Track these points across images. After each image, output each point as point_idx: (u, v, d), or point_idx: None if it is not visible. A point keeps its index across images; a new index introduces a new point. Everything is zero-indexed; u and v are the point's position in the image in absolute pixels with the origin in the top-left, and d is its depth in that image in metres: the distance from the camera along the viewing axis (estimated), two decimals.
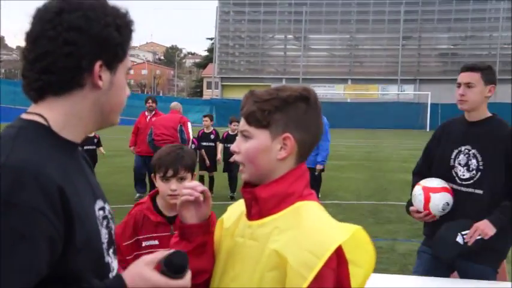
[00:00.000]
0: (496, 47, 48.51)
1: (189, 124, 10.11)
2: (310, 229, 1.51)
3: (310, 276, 1.43)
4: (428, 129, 43.59)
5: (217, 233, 1.74)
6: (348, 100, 51.51)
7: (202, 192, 1.66)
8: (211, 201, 1.73)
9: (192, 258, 1.44)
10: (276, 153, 1.58)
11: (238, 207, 1.73)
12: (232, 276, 1.62)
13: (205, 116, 11.30)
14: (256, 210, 1.60)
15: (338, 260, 1.49)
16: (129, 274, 1.36)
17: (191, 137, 10.10)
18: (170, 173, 2.68)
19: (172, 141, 8.94)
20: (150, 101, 10.80)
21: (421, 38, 52.02)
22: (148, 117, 10.68)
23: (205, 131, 11.06)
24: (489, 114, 3.48)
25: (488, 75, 3.44)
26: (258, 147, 1.59)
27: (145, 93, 68.13)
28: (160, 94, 78.11)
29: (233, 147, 1.65)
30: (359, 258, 1.56)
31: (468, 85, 3.46)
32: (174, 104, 10.56)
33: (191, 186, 1.66)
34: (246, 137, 1.61)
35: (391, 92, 51.03)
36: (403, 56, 50.86)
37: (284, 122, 1.57)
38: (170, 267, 1.35)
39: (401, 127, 43.08)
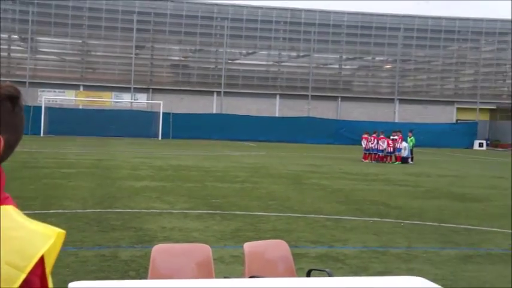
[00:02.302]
0: (221, 61, 52.22)
1: None
2: (7, 238, 1.35)
3: None
4: (160, 138, 44.89)
5: None
6: (80, 107, 50.27)
7: None
8: None
9: None
10: None
11: None
12: None
13: None
14: None
15: (42, 266, 1.38)
16: None
17: None
18: None
19: None
20: None
21: (153, 48, 53.34)
22: None
23: None
24: None
25: None
26: None
27: None
28: None
29: None
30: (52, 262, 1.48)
31: None
32: None
33: None
34: None
35: (125, 100, 51.24)
36: (136, 64, 51.56)
37: None
38: None
39: (134, 135, 43.58)
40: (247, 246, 4.59)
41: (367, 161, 29.61)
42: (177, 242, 8.15)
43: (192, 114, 48.94)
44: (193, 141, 42.82)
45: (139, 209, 11.68)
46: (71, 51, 52.71)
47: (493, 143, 53.42)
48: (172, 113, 46.78)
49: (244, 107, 52.46)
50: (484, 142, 51.78)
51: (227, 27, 51.60)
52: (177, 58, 54.64)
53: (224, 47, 51.79)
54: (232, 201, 13.53)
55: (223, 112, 50.56)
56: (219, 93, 51.89)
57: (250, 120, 49.38)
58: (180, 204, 12.77)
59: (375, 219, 11.73)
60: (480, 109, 53.85)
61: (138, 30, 51.16)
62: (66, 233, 1.44)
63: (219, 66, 53.17)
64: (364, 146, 30.17)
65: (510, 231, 10.98)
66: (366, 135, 30.14)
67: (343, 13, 55.44)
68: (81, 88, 50.92)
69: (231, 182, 17.67)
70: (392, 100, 53.89)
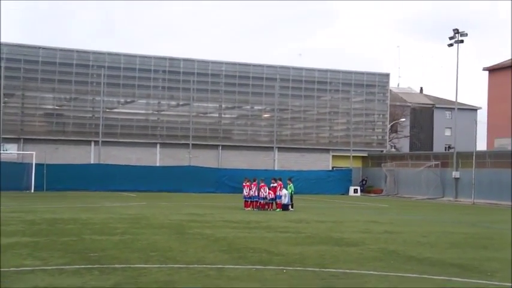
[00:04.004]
0: (99, 110, 51.00)
1: None
2: None
3: None
4: (33, 190, 42.59)
5: None
6: None
7: None
8: None
9: None
10: None
11: None
12: None
13: None
14: None
15: None
16: None
17: None
18: None
19: None
20: None
21: (24, 96, 51.10)
22: None
23: None
24: None
25: None
26: None
27: None
28: None
29: None
30: None
31: None
32: None
33: None
34: None
35: None
36: (6, 113, 48.92)
37: None
38: None
39: (4, 189, 40.78)
40: None
41: (248, 208, 29.91)
42: None
43: (67, 164, 47.06)
44: (69, 193, 41.07)
45: (8, 268, 10.93)
46: None
47: (366, 189, 56.20)
48: (46, 164, 44.70)
49: (124, 156, 51.37)
50: (359, 188, 54.35)
51: (104, 75, 50.69)
52: (50, 106, 52.59)
53: (101, 95, 50.70)
54: (112, 254, 13.07)
55: (102, 162, 49.13)
56: (96, 142, 50.45)
57: (130, 170, 48.35)
58: (54, 260, 12.11)
59: (258, 266, 11.81)
60: (353, 156, 56.62)
61: (7, 77, 48.83)
62: None
63: (96, 115, 51.86)
64: (245, 194, 30.49)
65: (384, 273, 11.50)
66: (247, 183, 30.51)
67: (221, 63, 56.62)
68: None
69: (110, 234, 17.08)
70: (271, 148, 55.27)
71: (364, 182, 57.36)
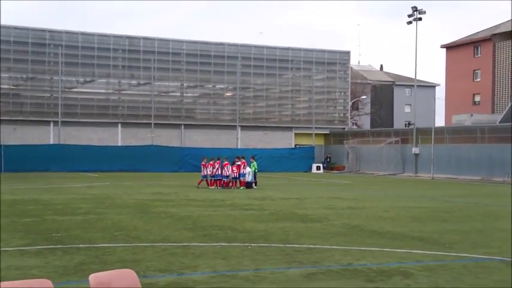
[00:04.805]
0: (57, 89, 49.94)
1: None
2: None
3: None
4: None
5: None
6: None
7: None
8: None
9: None
10: None
11: None
12: None
13: None
14: None
15: None
16: None
17: None
18: None
19: None
20: None
21: None
22: None
23: None
24: None
25: None
26: None
27: None
28: None
29: None
30: None
31: None
32: None
33: None
34: None
35: None
36: None
37: None
38: None
39: None
40: (93, 278, 4.41)
41: (212, 187, 29.94)
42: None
43: (26, 145, 46.17)
44: (29, 174, 40.35)
45: None
46: None
47: (329, 166, 56.84)
48: (4, 145, 43.80)
49: (85, 136, 50.67)
50: (321, 165, 54.92)
51: (61, 54, 49.58)
52: (6, 86, 51.25)
53: (59, 74, 49.65)
54: (75, 234, 12.95)
55: (62, 142, 48.32)
56: (56, 122, 49.48)
57: (91, 150, 47.75)
58: (15, 241, 11.93)
59: (223, 244, 11.87)
60: (316, 134, 57.08)
61: None
62: None
63: (54, 95, 50.79)
64: (208, 172, 30.46)
65: (348, 247, 11.70)
66: (211, 162, 30.48)
67: (181, 41, 56.02)
68: None
69: (73, 214, 16.89)
70: (234, 127, 55.25)
71: (328, 160, 57.96)
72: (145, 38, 54.79)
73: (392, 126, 76.48)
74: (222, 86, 58.60)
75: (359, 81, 76.17)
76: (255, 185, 30.58)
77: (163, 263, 9.85)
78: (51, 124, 50.48)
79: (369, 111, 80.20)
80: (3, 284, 4.39)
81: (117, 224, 14.94)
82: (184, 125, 55.19)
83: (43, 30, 51.63)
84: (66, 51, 50.52)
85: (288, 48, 59.65)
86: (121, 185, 31.73)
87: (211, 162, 30.51)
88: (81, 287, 7.58)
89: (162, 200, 22.40)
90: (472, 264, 10.21)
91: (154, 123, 51.54)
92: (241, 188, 29.76)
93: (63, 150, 46.94)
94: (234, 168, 30.17)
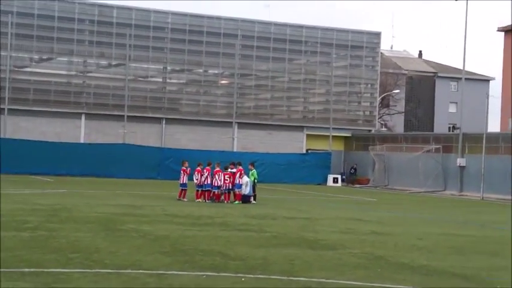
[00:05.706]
0: (5, 68, 49.94)
1: None
2: None
3: None
4: None
5: None
6: None
7: None
8: None
9: None
10: None
11: None
12: None
13: None
14: None
15: None
16: None
17: None
18: None
19: None
20: None
21: None
22: None
23: None
24: None
25: None
26: None
27: None
28: None
29: None
30: None
31: None
32: None
33: None
34: None
35: None
36: None
37: None
38: None
39: None
40: None
41: (199, 200, 29.94)
42: None
43: None
44: None
45: None
46: None
47: (351, 179, 56.79)
48: None
49: (37, 129, 50.74)
50: (339, 177, 54.90)
51: (12, 23, 49.62)
52: None
53: (8, 49, 49.69)
54: (20, 255, 12.96)
55: (8, 136, 48.33)
56: (1, 110, 49.56)
57: (45, 148, 47.76)
58: None
59: (209, 273, 11.87)
60: (333, 137, 57.07)
61: None
62: None
63: (1, 75, 50.86)
64: (195, 181, 30.44)
65: (369, 284, 11.68)
66: (198, 168, 30.47)
67: (166, 13, 56.12)
68: None
69: (18, 229, 16.91)
70: (230, 124, 55.29)
71: (353, 171, 57.76)
72: (120, 7, 54.94)
73: (433, 130, 76.53)
74: (215, 72, 58.73)
75: (391, 70, 76.34)
76: (254, 200, 30.56)
77: None
78: None
79: (403, 110, 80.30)
80: None
81: (74, 243, 14.94)
82: (166, 119, 55.26)
83: None
84: (17, 20, 50.63)
85: (301, 26, 59.78)
86: (82, 193, 31.73)
87: (198, 169, 30.48)
88: None
89: (133, 214, 22.41)
90: None
91: (128, 116, 51.62)
92: (236, 202, 29.75)
93: (9, 146, 46.82)
94: (227, 177, 30.16)
